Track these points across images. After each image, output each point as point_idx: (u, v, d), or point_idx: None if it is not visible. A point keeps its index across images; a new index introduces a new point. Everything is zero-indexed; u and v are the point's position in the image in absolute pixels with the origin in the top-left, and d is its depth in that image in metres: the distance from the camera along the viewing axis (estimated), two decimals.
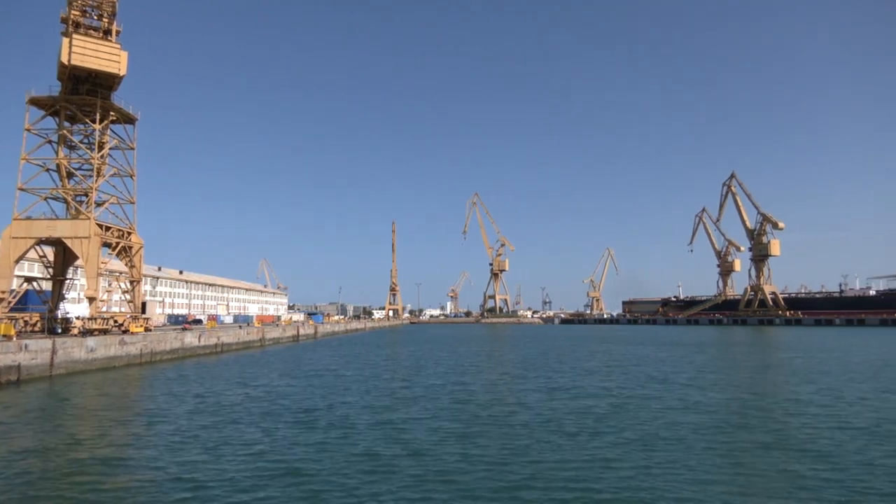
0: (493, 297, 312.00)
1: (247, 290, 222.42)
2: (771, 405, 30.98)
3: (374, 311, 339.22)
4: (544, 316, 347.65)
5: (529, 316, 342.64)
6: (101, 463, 19.50)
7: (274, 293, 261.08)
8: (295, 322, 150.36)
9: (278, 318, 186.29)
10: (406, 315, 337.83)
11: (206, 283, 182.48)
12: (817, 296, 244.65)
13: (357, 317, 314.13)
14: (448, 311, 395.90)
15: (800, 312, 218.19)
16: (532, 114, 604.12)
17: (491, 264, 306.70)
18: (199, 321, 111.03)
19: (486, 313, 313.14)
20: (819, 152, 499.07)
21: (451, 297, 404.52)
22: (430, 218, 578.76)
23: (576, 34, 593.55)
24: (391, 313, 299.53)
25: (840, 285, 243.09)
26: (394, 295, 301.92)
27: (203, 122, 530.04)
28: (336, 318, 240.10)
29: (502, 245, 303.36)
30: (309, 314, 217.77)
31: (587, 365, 56.00)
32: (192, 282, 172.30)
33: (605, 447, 21.43)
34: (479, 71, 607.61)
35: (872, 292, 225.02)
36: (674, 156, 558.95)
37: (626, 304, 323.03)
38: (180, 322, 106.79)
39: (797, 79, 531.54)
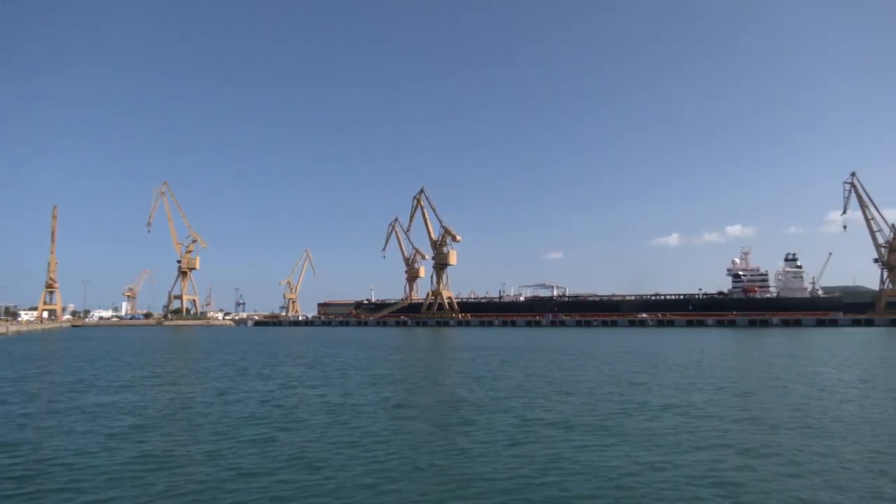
0: (179, 297, 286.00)
1: None
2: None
3: (23, 313, 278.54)
4: (237, 318, 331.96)
5: (220, 318, 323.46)
6: None
7: None
8: None
9: None
10: (67, 317, 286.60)
11: None
12: (483, 300, 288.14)
13: None
14: (123, 313, 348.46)
15: (469, 315, 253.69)
16: (231, 103, 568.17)
17: (179, 261, 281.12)
18: None
19: (170, 315, 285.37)
20: (486, 168, 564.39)
21: (129, 296, 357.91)
22: (104, 206, 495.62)
23: (303, 28, 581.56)
24: (46, 314, 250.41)
25: (499, 292, 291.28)
26: (51, 293, 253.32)
27: None
28: None
29: (193, 241, 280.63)
30: None
31: (289, 370, 55.55)
32: None
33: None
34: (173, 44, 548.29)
35: (522, 298, 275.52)
36: (375, 160, 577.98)
37: (321, 307, 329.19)
38: None
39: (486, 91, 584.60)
